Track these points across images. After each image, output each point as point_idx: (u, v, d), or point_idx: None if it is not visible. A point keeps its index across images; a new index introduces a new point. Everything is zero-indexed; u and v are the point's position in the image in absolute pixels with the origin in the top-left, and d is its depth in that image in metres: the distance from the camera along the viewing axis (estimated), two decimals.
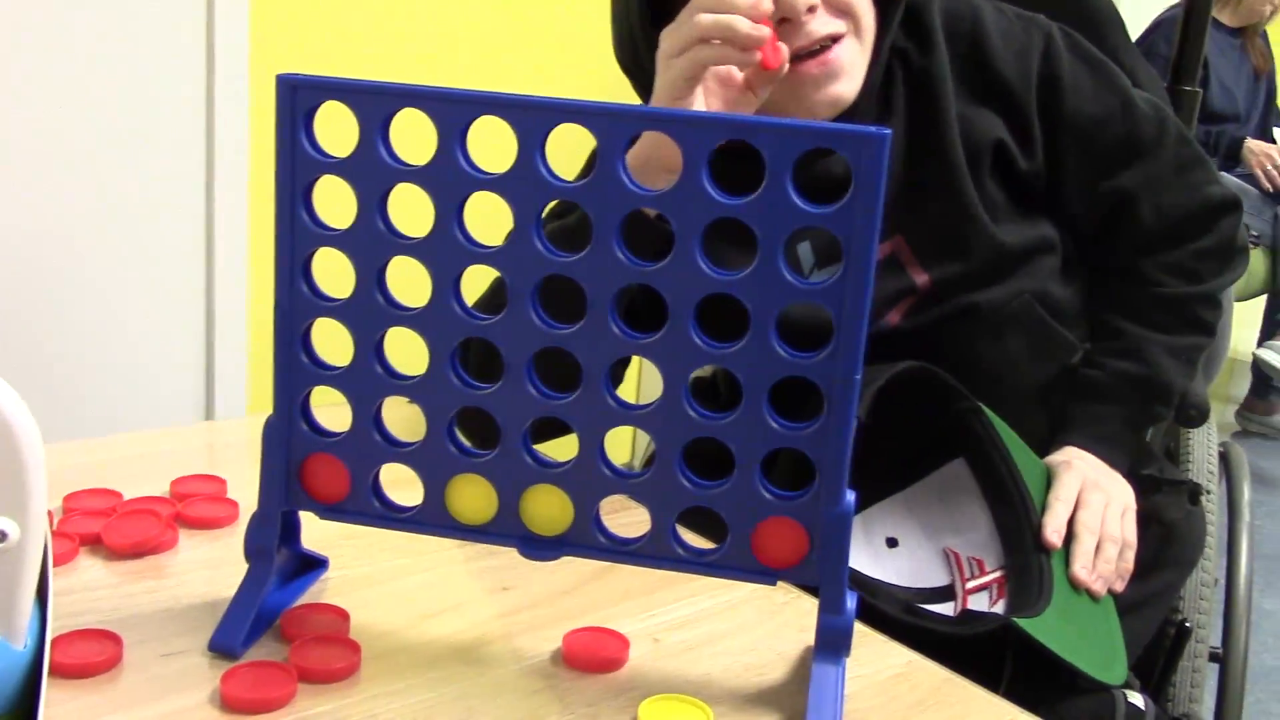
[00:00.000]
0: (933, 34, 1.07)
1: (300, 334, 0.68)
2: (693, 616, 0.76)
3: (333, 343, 0.69)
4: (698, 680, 0.68)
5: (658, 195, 0.62)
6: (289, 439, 0.69)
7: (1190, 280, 1.11)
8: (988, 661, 0.88)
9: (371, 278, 0.66)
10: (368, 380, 0.68)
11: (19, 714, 0.56)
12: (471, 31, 2.47)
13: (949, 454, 1.03)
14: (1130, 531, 1.03)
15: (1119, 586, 1.00)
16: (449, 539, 0.71)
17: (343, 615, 0.71)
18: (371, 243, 0.66)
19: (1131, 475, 1.08)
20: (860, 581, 0.92)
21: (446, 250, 0.65)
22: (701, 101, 0.91)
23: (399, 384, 0.68)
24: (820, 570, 0.65)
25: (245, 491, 0.72)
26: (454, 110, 0.63)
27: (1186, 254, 1.11)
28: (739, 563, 0.67)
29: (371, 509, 0.70)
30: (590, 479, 0.67)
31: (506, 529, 0.69)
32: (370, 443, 0.69)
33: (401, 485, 0.70)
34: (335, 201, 0.69)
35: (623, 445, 2.36)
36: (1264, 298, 3.63)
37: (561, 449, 0.69)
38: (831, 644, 0.65)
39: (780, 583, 0.68)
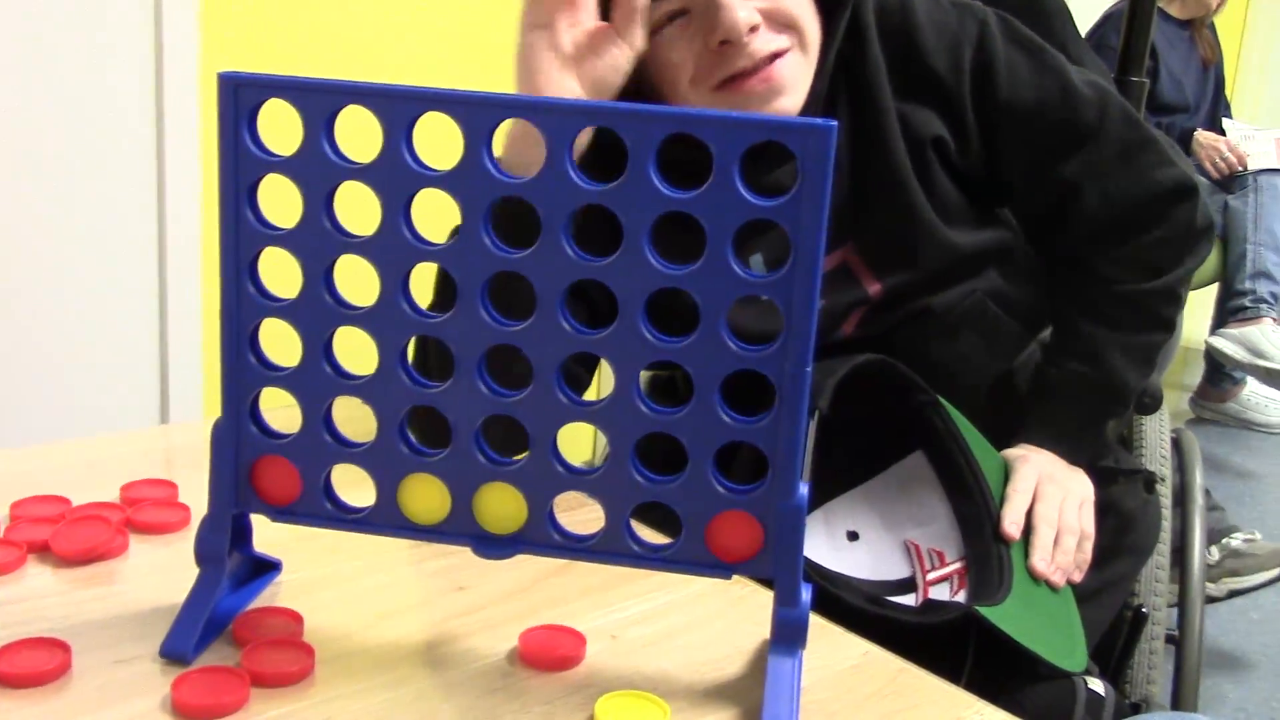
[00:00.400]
0: (866, 32, 1.05)
1: (248, 335, 0.67)
2: (649, 612, 0.75)
3: (282, 343, 0.69)
4: (655, 676, 0.68)
5: (607, 190, 0.62)
6: (238, 441, 0.69)
7: (1149, 274, 1.08)
8: (950, 651, 0.89)
9: (319, 277, 0.66)
10: (317, 380, 0.67)
11: None
12: (421, 29, 2.46)
13: (908, 447, 1.04)
14: (1088, 523, 1.04)
15: (1077, 577, 1.01)
16: (403, 539, 0.70)
17: (296, 618, 0.71)
18: (318, 242, 0.65)
19: (1089, 467, 1.09)
20: (822, 573, 0.92)
21: (394, 248, 0.64)
22: (558, 65, 0.88)
23: (349, 384, 0.67)
24: (775, 563, 0.65)
25: (197, 496, 0.71)
26: (399, 107, 0.62)
27: (1142, 246, 1.07)
28: (694, 557, 0.66)
29: (324, 510, 0.69)
30: (543, 476, 0.67)
31: (460, 528, 0.68)
32: (321, 444, 0.68)
33: (354, 486, 0.70)
34: (282, 200, 0.68)
35: (584, 443, 2.36)
36: (1215, 286, 3.67)
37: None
38: (787, 637, 0.66)
39: (736, 576, 0.68)
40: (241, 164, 0.64)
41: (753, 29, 0.95)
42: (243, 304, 0.66)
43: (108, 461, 0.95)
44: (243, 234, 0.65)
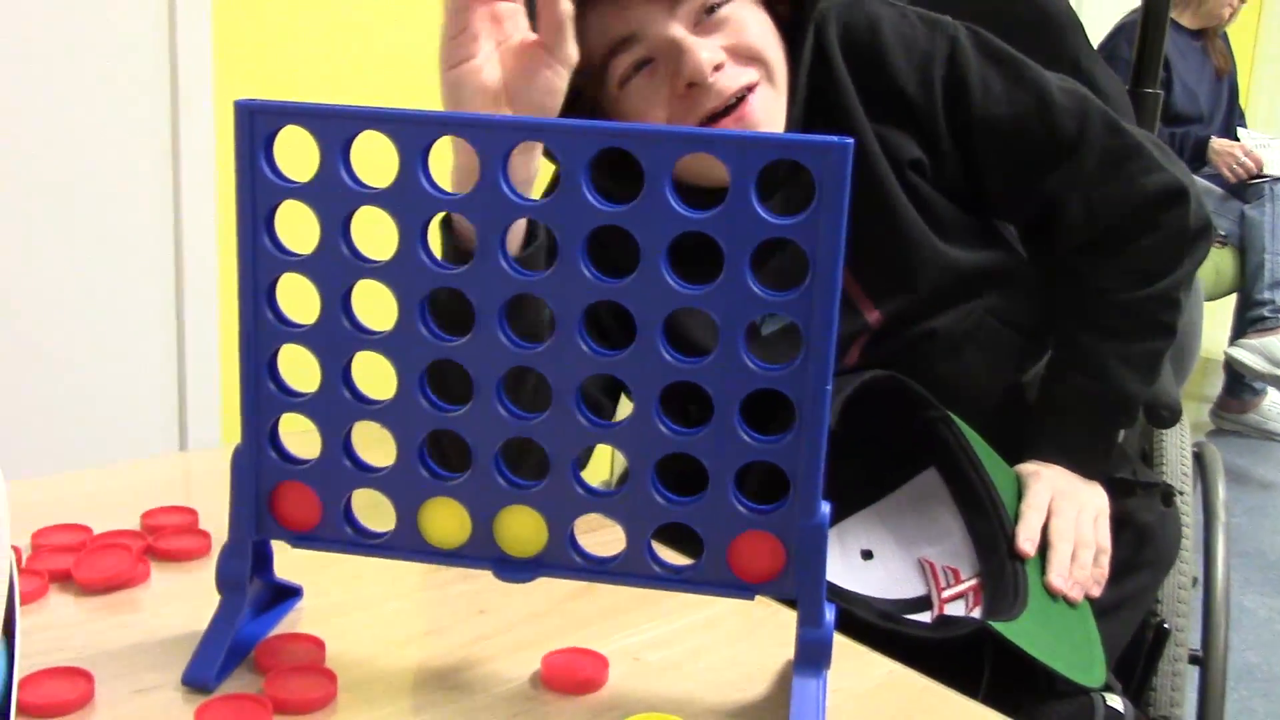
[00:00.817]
0: (830, 53, 1.02)
1: (266, 361, 0.67)
2: (672, 634, 0.75)
3: (301, 369, 0.69)
4: (679, 698, 0.68)
5: (623, 211, 0.62)
6: (258, 468, 0.69)
7: (1144, 280, 1.06)
8: (966, 668, 0.88)
9: (336, 302, 0.66)
10: (336, 406, 0.67)
11: None
12: (435, 54, 2.47)
13: (920, 464, 1.03)
14: (1104, 536, 1.03)
15: (1095, 592, 1.00)
16: (423, 563, 0.70)
17: (318, 644, 0.70)
18: (335, 267, 0.65)
19: (1105, 479, 1.09)
20: (836, 590, 0.92)
21: (411, 272, 0.64)
22: (488, 102, 0.79)
23: (368, 409, 0.67)
24: (798, 583, 0.65)
25: (218, 522, 0.71)
26: (414, 131, 0.63)
27: (1135, 252, 1.05)
28: (716, 578, 0.66)
29: (344, 536, 0.69)
30: (564, 498, 0.66)
31: (481, 551, 0.68)
32: (340, 469, 0.68)
33: (374, 511, 0.70)
34: (300, 226, 0.68)
35: (601, 464, 2.36)
36: (1234, 296, 3.66)
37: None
38: (811, 657, 0.65)
39: (758, 597, 0.67)
40: (259, 191, 0.65)
41: (717, 67, 0.93)
42: (261, 330, 0.67)
43: (128, 489, 0.95)
44: (260, 260, 0.66)
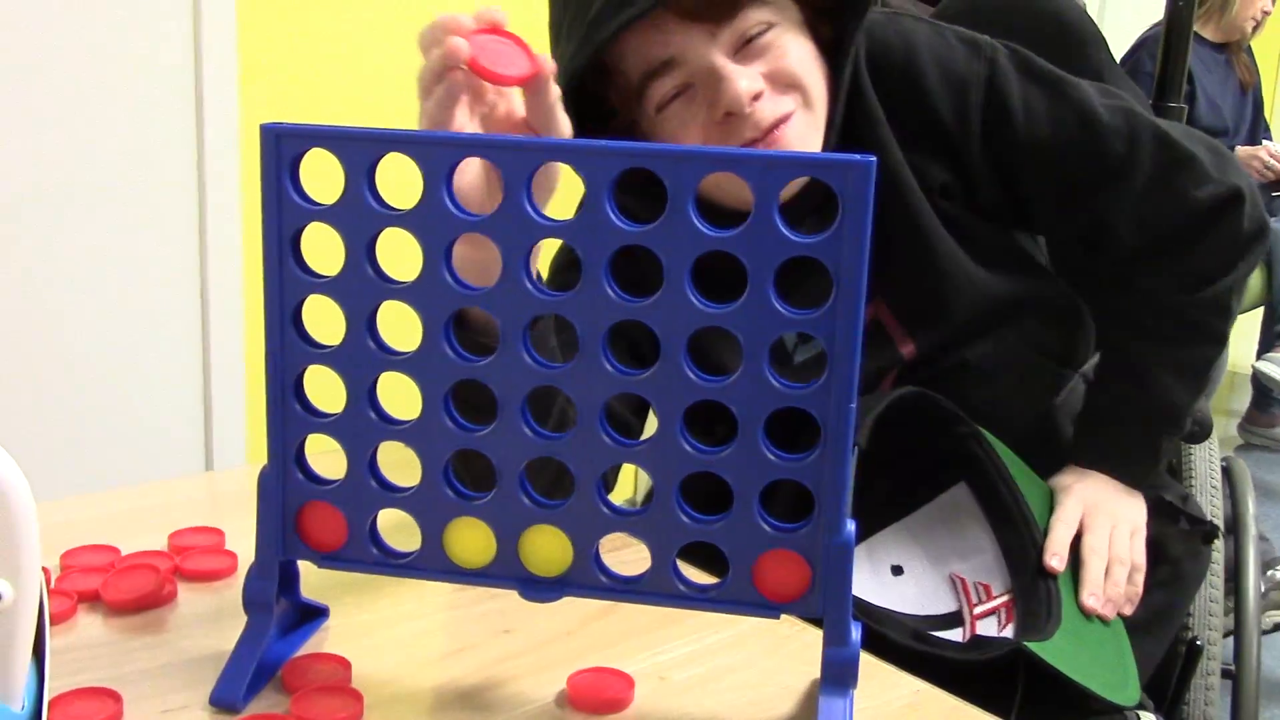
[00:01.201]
0: (860, 76, 1.00)
1: (292, 382, 0.68)
2: (697, 653, 0.75)
3: (326, 390, 0.69)
4: (704, 717, 0.68)
5: (647, 231, 0.62)
6: (284, 488, 0.69)
7: (1199, 284, 1.03)
8: (998, 686, 0.87)
9: (361, 323, 0.66)
10: (362, 426, 0.68)
11: None
12: None
13: (950, 479, 1.03)
14: (1139, 553, 1.01)
15: (1128, 610, 0.99)
16: (449, 583, 0.70)
17: (344, 664, 0.71)
18: (361, 288, 0.65)
19: (1150, 493, 1.07)
20: (867, 610, 0.91)
21: (436, 293, 0.65)
22: (485, 196, 0.75)
23: (393, 429, 0.67)
24: (824, 602, 0.64)
25: (244, 542, 0.72)
26: (438, 154, 0.63)
27: (1189, 258, 1.03)
28: (742, 597, 0.66)
29: (370, 556, 0.70)
30: (589, 518, 0.66)
31: (506, 571, 0.68)
32: (366, 489, 0.68)
33: (399, 531, 0.70)
34: (325, 247, 0.69)
35: (625, 481, 2.36)
36: (1261, 310, 3.63)
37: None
38: (838, 676, 0.65)
39: (784, 616, 0.67)
40: (284, 213, 0.65)
41: (755, 97, 0.92)
42: (287, 351, 0.67)
43: (155, 509, 0.96)
44: (286, 282, 0.66)
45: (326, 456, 0.69)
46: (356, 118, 2.29)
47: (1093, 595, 0.96)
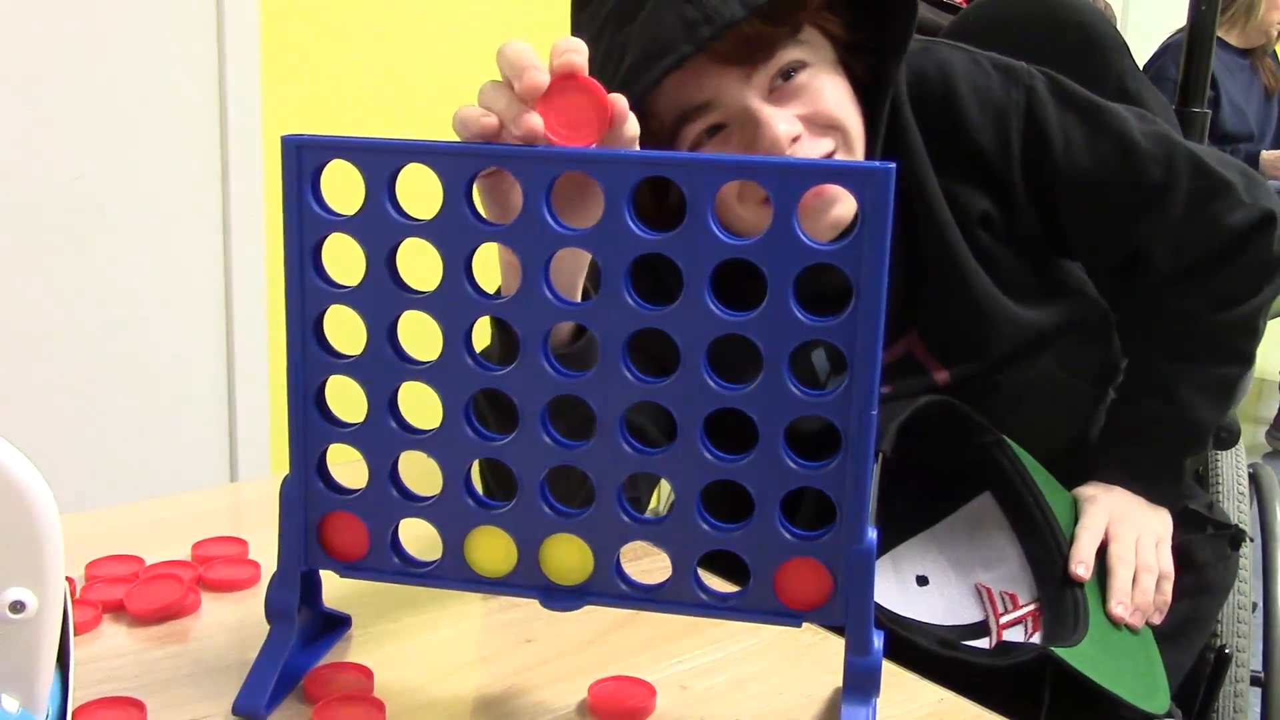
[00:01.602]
0: (901, 108, 0.98)
1: (314, 392, 0.68)
2: (719, 662, 0.75)
3: (348, 400, 0.69)
4: None
5: (666, 239, 0.62)
6: (306, 498, 0.69)
7: (1223, 305, 1.04)
8: (1024, 696, 0.87)
9: (382, 333, 0.66)
10: (383, 436, 0.68)
11: None
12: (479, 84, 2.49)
13: (975, 488, 1.02)
14: (1166, 562, 1.01)
15: (1156, 619, 0.99)
16: (470, 592, 0.70)
17: (366, 674, 0.71)
18: (381, 299, 0.66)
19: (1175, 507, 1.06)
20: (893, 618, 0.91)
21: (456, 303, 0.65)
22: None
23: (414, 439, 0.68)
24: (845, 610, 0.64)
25: (267, 552, 0.72)
26: (458, 164, 0.63)
27: (1218, 280, 1.03)
28: (763, 605, 0.66)
29: (391, 565, 0.70)
30: (609, 526, 0.66)
31: (527, 580, 0.68)
32: (387, 499, 0.69)
33: (421, 540, 0.70)
34: (343, 256, 0.69)
35: None
36: None
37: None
38: (860, 685, 0.65)
39: (806, 624, 0.67)
40: (305, 224, 0.65)
41: (794, 139, 0.90)
42: (309, 362, 0.67)
43: (179, 520, 0.96)
44: (308, 293, 0.66)
45: (348, 466, 0.70)
46: (379, 127, 2.30)
47: (1120, 604, 0.96)
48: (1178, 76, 1.39)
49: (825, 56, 0.94)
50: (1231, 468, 1.29)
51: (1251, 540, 1.20)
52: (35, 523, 0.52)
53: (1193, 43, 1.38)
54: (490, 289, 0.66)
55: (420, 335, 0.70)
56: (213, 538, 0.89)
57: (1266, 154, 3.53)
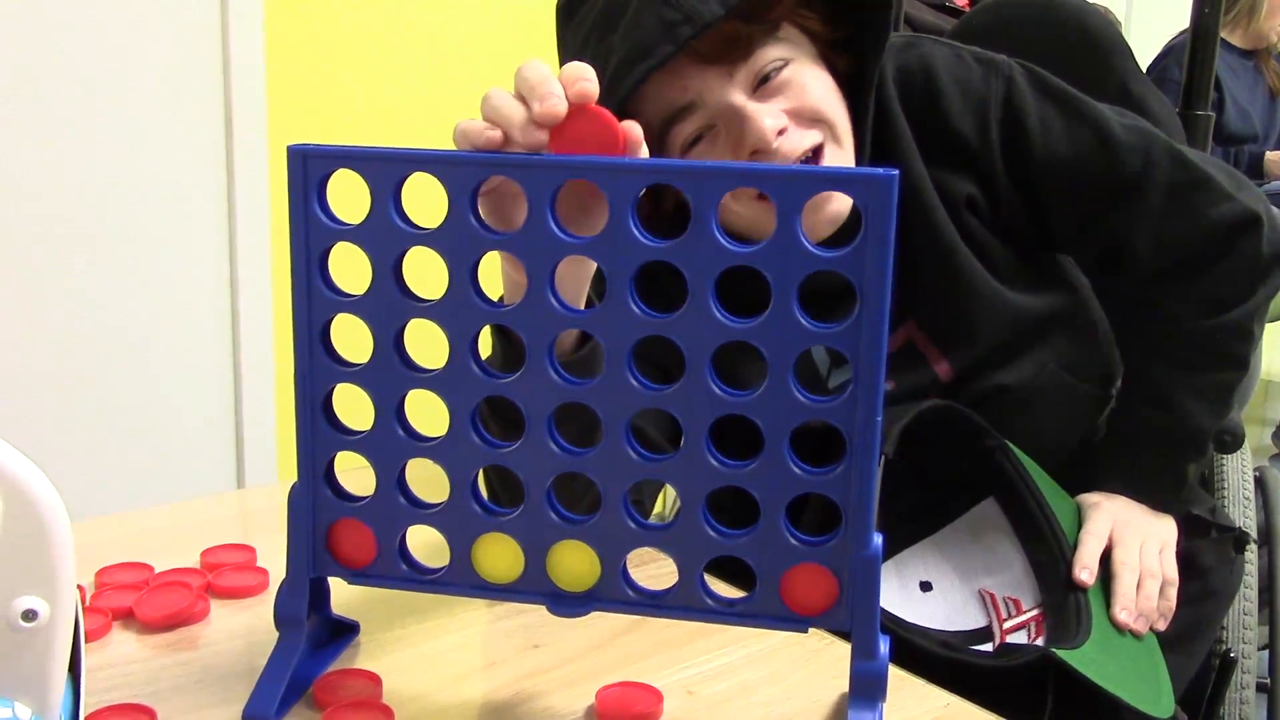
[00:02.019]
0: (889, 101, 1.00)
1: (321, 400, 0.68)
2: (726, 667, 0.75)
3: (355, 408, 0.70)
4: None
5: (670, 246, 0.62)
6: (314, 505, 0.69)
7: (1217, 309, 1.03)
8: (1028, 701, 0.87)
9: (389, 342, 0.67)
10: (390, 443, 0.68)
11: None
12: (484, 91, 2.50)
13: (978, 493, 1.02)
14: (1170, 567, 1.01)
15: (1161, 625, 0.99)
16: (477, 599, 0.71)
17: (375, 680, 0.71)
18: (388, 307, 0.66)
19: (1179, 513, 1.06)
20: (894, 620, 0.91)
21: (462, 311, 0.65)
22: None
23: (421, 446, 0.68)
24: (851, 615, 0.64)
25: (275, 559, 0.72)
26: (463, 173, 0.64)
27: (1207, 281, 1.03)
28: (769, 611, 0.66)
29: (399, 572, 0.70)
30: (616, 532, 0.67)
31: (534, 586, 0.68)
32: (395, 506, 0.69)
33: (428, 547, 0.70)
34: (350, 265, 0.69)
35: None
36: None
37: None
38: (866, 689, 0.65)
39: (812, 629, 0.67)
40: (312, 233, 0.66)
41: (780, 132, 0.91)
42: (316, 370, 0.68)
43: (187, 527, 0.97)
44: (314, 302, 0.67)
45: (356, 474, 0.70)
46: (385, 137, 2.31)
47: (1125, 610, 0.96)
48: (1181, 78, 1.39)
49: (806, 52, 0.95)
50: (1237, 471, 1.29)
51: (1257, 543, 1.20)
52: (47, 532, 0.53)
53: (1196, 45, 1.38)
54: (494, 298, 0.66)
55: (427, 343, 0.71)
56: (221, 545, 0.90)
57: (1271, 155, 3.53)
